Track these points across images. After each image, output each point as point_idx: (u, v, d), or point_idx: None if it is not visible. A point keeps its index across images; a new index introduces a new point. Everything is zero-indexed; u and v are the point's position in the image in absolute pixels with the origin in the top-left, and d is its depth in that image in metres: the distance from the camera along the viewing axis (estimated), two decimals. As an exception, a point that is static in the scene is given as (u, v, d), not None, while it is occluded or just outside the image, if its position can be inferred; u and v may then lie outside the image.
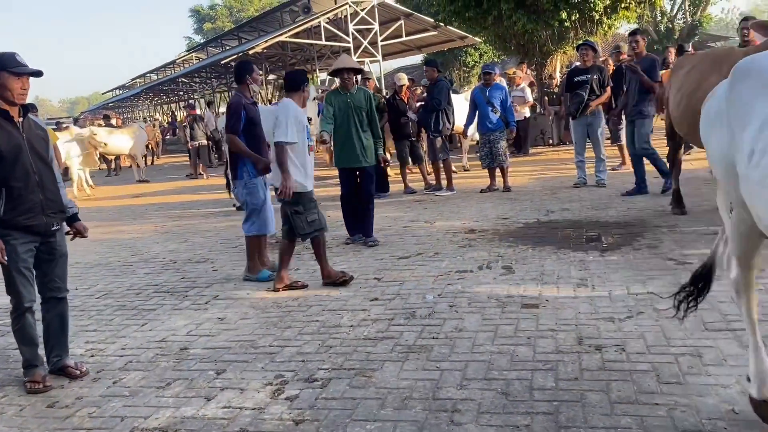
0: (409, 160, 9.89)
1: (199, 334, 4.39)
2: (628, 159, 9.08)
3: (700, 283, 3.11)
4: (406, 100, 9.69)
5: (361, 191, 6.74)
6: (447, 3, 14.50)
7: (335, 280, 5.23)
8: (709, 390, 2.96)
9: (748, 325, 2.77)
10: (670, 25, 29.09)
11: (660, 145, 7.98)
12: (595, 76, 8.56)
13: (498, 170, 9.20)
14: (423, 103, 9.41)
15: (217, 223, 8.94)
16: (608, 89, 8.75)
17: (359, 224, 6.70)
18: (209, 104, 20.88)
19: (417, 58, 36.58)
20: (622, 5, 13.56)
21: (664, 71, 11.82)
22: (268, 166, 5.47)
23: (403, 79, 9.99)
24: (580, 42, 9.38)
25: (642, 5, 13.75)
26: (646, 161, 8.01)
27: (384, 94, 14.34)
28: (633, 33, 8.35)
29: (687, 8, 28.78)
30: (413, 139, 9.71)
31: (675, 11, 29.49)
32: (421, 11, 24.36)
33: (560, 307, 4.26)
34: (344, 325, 4.26)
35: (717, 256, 3.08)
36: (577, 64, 9.51)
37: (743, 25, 8.34)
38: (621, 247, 5.61)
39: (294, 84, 5.41)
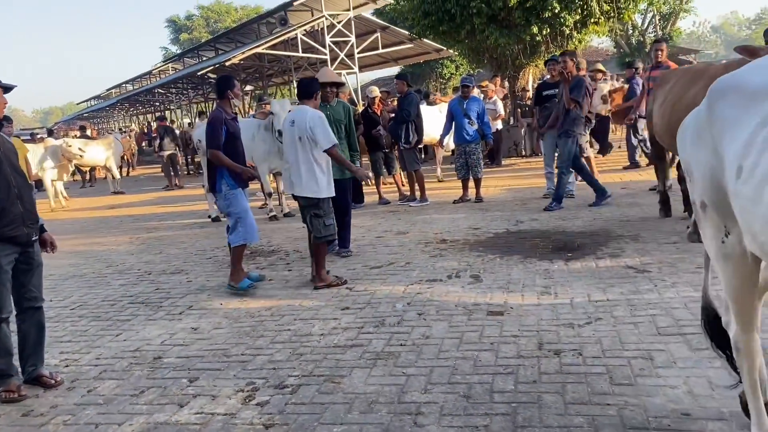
0: (384, 171, 10.06)
1: (173, 344, 4.48)
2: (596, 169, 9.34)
3: (724, 344, 2.72)
4: (379, 113, 9.87)
5: (337, 203, 6.61)
6: (421, 17, 14.74)
7: (329, 284, 5.54)
8: (658, 390, 3.14)
9: (748, 386, 2.52)
10: (642, 39, 29.74)
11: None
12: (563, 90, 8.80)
13: (472, 181, 9.40)
14: (393, 115, 9.61)
15: (193, 234, 9.01)
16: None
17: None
18: (200, 114, 20.78)
19: (394, 70, 36.90)
20: (592, 20, 13.90)
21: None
22: (253, 177, 5.97)
23: (375, 92, 10.18)
24: (550, 56, 9.63)
25: (611, 20, 14.10)
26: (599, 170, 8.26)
27: (359, 105, 14.57)
28: (563, 54, 8.70)
29: (657, 22, 29.45)
30: (387, 150, 9.89)
31: (646, 25, 30.16)
32: (397, 24, 24.64)
33: (524, 314, 4.43)
34: (315, 334, 4.39)
35: (709, 296, 2.88)
36: (547, 77, 9.76)
37: (656, 47, 8.76)
38: (585, 256, 5.81)
39: (307, 91, 5.80)
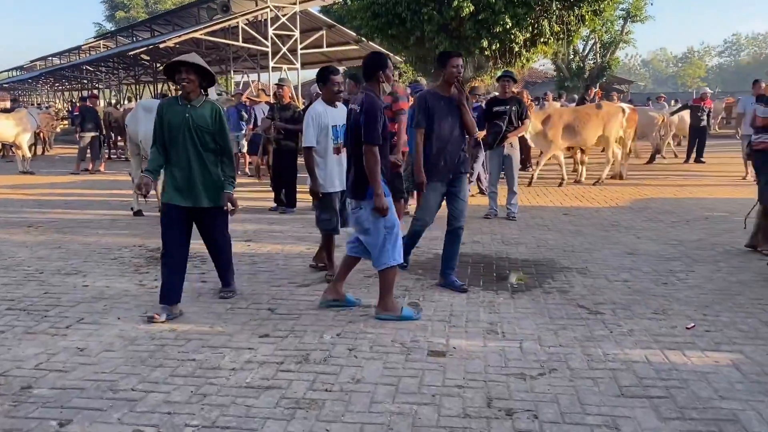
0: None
1: (50, 368, 3.70)
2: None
3: None
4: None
5: (209, 242, 4.97)
6: (370, 18, 14.20)
7: (321, 265, 5.85)
8: (630, 474, 2.64)
9: None
10: (582, 65, 30.23)
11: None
12: (513, 108, 8.42)
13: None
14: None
15: (101, 228, 8.08)
16: (527, 121, 8.67)
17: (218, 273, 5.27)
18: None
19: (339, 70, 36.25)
20: (542, 39, 13.71)
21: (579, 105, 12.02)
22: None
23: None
24: (500, 72, 9.25)
25: (560, 41, 13.96)
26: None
27: (301, 103, 13.85)
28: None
29: (598, 50, 30.00)
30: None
31: (586, 51, 30.69)
32: (344, 24, 24.04)
33: (469, 357, 3.89)
34: (224, 368, 3.70)
35: None
36: (496, 94, 9.37)
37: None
38: (531, 289, 5.35)
39: (321, 77, 5.38)
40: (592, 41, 29.72)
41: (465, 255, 6.56)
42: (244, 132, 13.17)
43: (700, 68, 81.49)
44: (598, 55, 30.20)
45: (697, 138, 15.65)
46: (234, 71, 28.64)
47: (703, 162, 15.41)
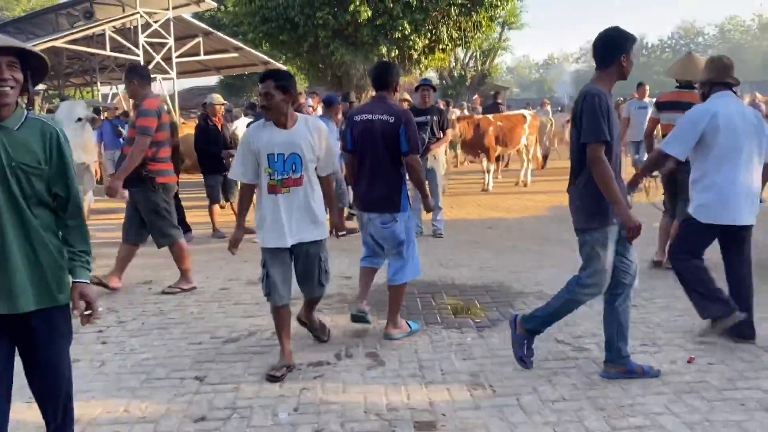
0: (221, 197, 8.33)
1: None
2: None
3: None
4: (220, 127, 8.14)
5: (36, 374, 2.58)
6: (259, 23, 13.23)
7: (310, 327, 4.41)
8: None
9: None
10: (463, 72, 30.69)
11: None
12: (435, 118, 7.84)
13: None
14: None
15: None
16: (448, 132, 8.13)
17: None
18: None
19: (215, 80, 34.66)
20: (440, 46, 13.38)
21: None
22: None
23: (218, 99, 8.44)
24: (421, 80, 8.63)
25: (458, 47, 13.72)
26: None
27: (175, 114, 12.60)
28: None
29: (479, 57, 30.60)
30: (227, 173, 8.18)
31: (467, 59, 31.21)
32: (222, 29, 22.71)
33: (466, 428, 3.16)
34: (160, 484, 2.73)
35: None
36: (415, 104, 8.77)
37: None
38: (497, 323, 4.72)
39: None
40: (472, 49, 30.27)
41: (409, 284, 5.84)
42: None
43: (563, 74, 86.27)
44: (478, 62, 30.79)
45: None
46: (101, 82, 26.31)
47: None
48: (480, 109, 14.45)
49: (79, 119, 6.48)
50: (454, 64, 30.51)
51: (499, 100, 11.44)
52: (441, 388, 3.62)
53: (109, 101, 24.56)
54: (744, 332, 4.11)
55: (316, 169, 3.91)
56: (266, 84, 3.74)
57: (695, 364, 3.86)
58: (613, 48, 3.50)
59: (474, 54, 30.46)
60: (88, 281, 2.56)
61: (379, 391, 3.59)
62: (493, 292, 5.54)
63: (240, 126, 9.09)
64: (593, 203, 3.49)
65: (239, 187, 4.19)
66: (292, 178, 3.79)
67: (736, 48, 73.23)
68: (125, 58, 21.71)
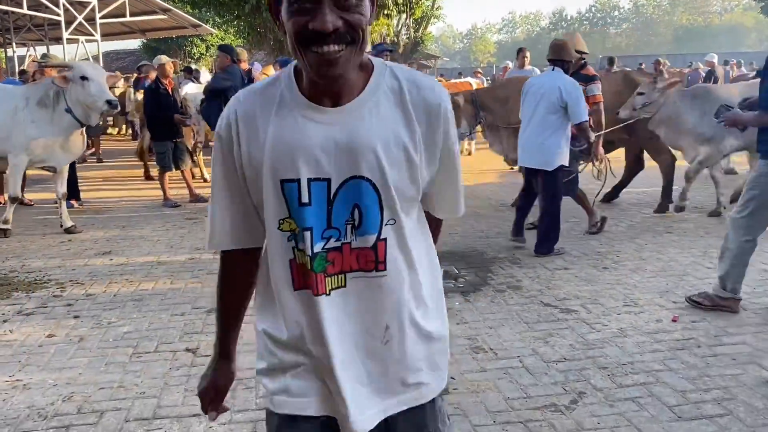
0: (172, 165, 7.96)
1: None
2: None
3: None
4: (170, 90, 7.73)
5: None
6: (197, -18, 12.63)
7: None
8: None
9: None
10: (396, 40, 30.43)
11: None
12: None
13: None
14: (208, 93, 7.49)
15: None
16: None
17: None
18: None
19: (135, 43, 33.13)
20: (385, 12, 13.20)
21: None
22: None
23: (165, 60, 7.99)
24: (378, 45, 8.47)
25: (403, 14, 13.56)
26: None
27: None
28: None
29: (411, 25, 30.38)
30: (178, 139, 7.83)
31: (399, 27, 30.94)
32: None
33: (478, 390, 3.17)
34: (184, 460, 2.61)
35: None
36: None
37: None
38: (481, 288, 4.76)
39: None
40: (405, 16, 30.01)
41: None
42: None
43: (489, 44, 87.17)
44: (411, 30, 30.58)
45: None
46: (16, 43, 24.55)
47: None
48: None
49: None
50: (386, 31, 30.22)
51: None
52: (443, 353, 3.62)
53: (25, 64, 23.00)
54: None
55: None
56: None
57: (679, 322, 4.01)
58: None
59: (407, 22, 30.24)
60: None
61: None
62: (468, 258, 5.58)
63: (189, 90, 8.71)
64: None
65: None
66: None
67: (649, 21, 76.28)
68: (44, 17, 20.37)
